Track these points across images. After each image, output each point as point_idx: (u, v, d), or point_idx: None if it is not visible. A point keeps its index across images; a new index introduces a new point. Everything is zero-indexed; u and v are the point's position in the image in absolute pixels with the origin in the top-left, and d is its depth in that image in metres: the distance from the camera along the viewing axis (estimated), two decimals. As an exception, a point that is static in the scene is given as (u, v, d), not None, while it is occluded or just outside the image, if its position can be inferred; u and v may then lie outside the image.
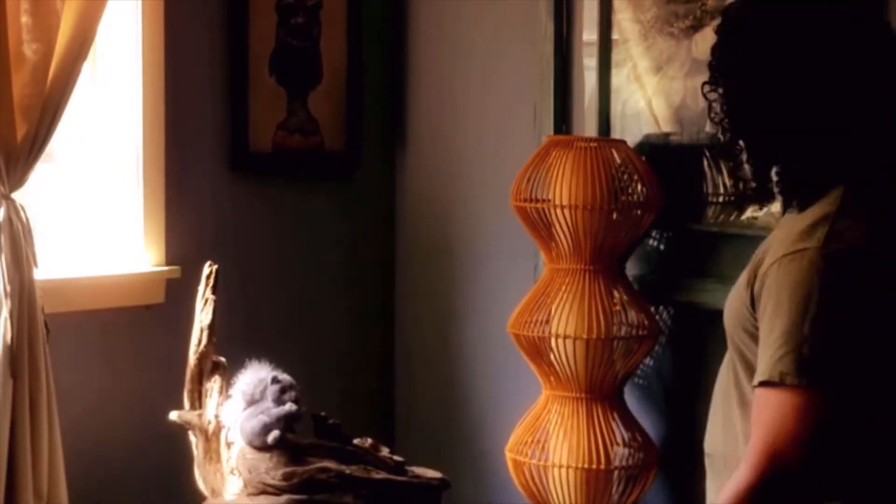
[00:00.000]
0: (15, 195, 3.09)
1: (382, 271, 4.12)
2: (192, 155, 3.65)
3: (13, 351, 3.01)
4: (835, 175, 1.96)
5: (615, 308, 3.22)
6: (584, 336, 3.15)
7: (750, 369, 1.97)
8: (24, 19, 3.05)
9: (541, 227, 3.23)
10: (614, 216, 3.18)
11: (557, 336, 3.17)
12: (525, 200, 3.24)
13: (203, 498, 3.04)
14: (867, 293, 1.87)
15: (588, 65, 3.59)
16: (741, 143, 2.03)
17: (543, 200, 3.22)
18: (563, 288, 3.20)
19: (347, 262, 4.04)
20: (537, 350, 3.24)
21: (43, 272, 3.15)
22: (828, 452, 1.89)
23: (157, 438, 3.32)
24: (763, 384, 1.87)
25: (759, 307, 1.91)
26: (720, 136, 2.06)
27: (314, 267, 3.95)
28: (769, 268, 1.90)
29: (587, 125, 3.58)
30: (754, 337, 1.95)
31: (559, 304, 3.20)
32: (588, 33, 3.59)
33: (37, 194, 3.36)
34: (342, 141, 3.97)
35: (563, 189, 3.16)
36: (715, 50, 2.03)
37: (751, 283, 1.95)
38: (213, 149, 3.71)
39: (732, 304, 2.03)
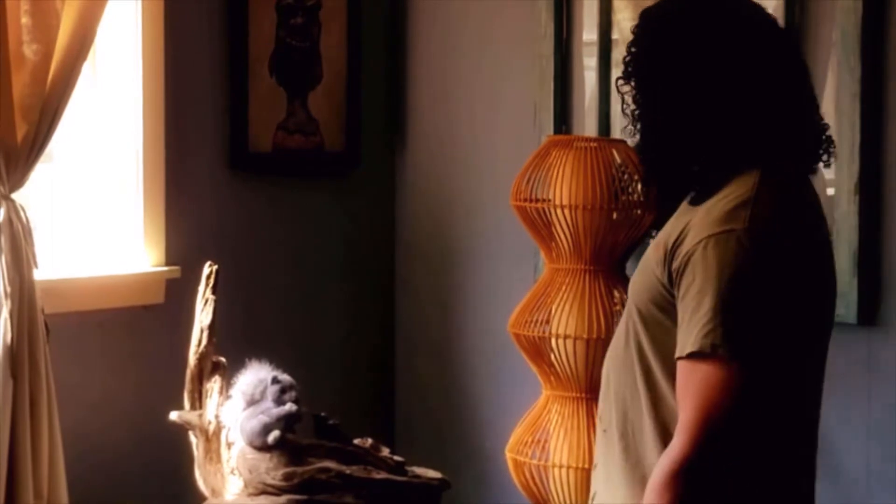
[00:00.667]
0: (15, 195, 3.08)
1: (382, 272, 4.12)
2: (192, 155, 3.65)
3: (13, 351, 3.00)
4: (746, 161, 2.05)
5: (615, 308, 3.21)
6: (585, 336, 3.15)
7: (657, 343, 2.05)
8: (24, 20, 3.05)
9: (541, 226, 3.23)
10: (614, 216, 3.18)
11: (558, 336, 3.17)
12: (525, 200, 3.24)
13: (203, 498, 3.04)
14: (788, 272, 1.97)
15: (588, 64, 3.59)
16: (657, 135, 2.12)
17: (543, 200, 3.22)
18: (564, 288, 3.20)
19: (347, 263, 4.04)
20: (537, 350, 3.23)
21: (43, 272, 3.15)
22: (750, 426, 1.96)
23: (158, 439, 3.32)
24: (692, 356, 1.93)
25: (682, 284, 1.99)
26: (631, 126, 2.16)
27: (314, 267, 3.95)
28: (694, 247, 1.97)
29: (587, 125, 3.59)
30: (666, 312, 2.03)
31: (559, 303, 3.20)
32: (588, 33, 3.59)
33: (37, 195, 3.36)
34: (342, 141, 3.97)
35: (563, 189, 3.16)
36: (631, 46, 2.13)
37: (666, 262, 2.02)
38: (213, 149, 3.71)
39: (643, 280, 2.09)
